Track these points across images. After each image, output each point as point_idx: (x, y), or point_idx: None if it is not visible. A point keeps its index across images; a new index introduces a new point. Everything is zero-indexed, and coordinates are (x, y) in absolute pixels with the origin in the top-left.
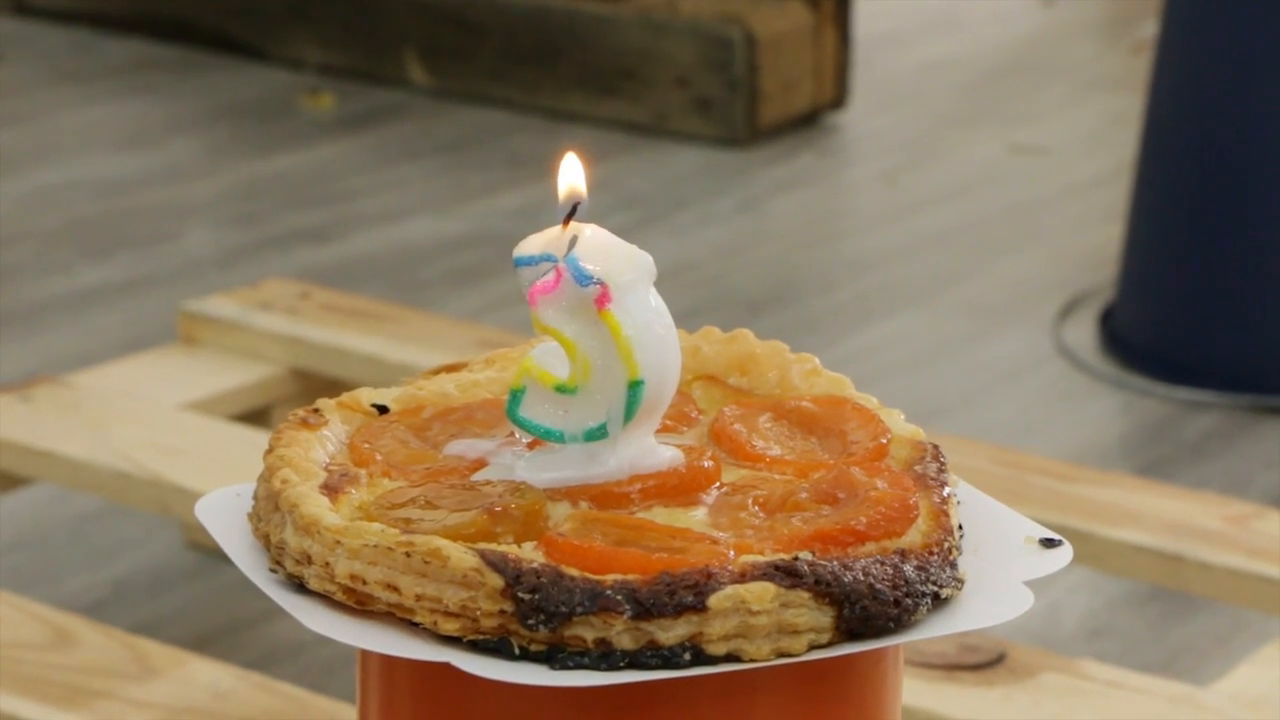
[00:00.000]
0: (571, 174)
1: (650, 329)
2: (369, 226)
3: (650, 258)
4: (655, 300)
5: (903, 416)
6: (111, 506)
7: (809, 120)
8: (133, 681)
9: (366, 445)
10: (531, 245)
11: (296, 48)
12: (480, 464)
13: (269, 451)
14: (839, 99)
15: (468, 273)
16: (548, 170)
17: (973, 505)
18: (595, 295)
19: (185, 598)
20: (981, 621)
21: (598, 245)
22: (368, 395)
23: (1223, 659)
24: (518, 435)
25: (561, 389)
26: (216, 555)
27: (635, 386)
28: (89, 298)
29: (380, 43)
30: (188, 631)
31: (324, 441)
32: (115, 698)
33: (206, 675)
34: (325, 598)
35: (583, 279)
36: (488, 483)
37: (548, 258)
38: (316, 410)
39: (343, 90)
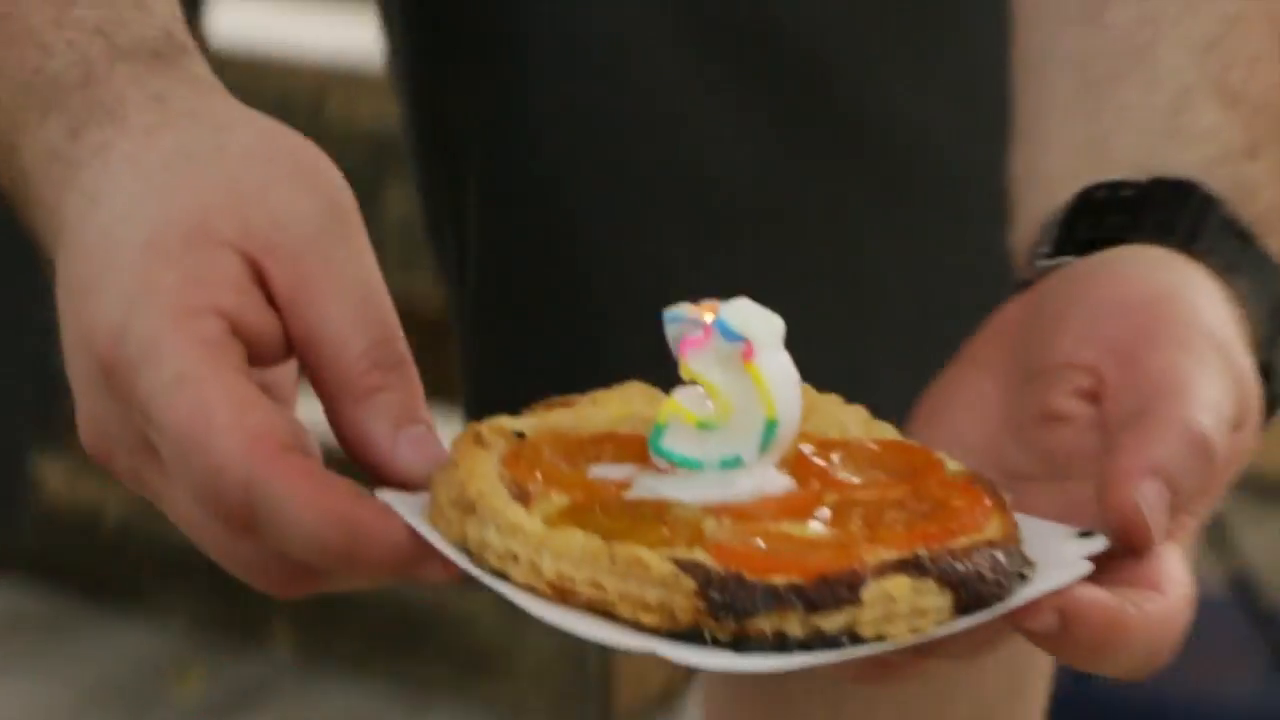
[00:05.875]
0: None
1: (784, 379)
2: None
3: (781, 321)
4: (785, 357)
5: (948, 457)
6: None
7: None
8: None
9: (526, 465)
10: (680, 309)
11: (167, 603)
12: (625, 484)
13: (454, 466)
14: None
15: None
16: None
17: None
18: (741, 350)
19: None
20: (1059, 583)
21: (739, 310)
22: (508, 423)
23: None
24: (656, 462)
25: (704, 425)
26: None
27: (771, 425)
28: None
29: (250, 613)
30: None
31: (491, 459)
32: None
33: None
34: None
35: (731, 336)
36: (654, 499)
37: (694, 319)
38: (480, 434)
39: (211, 661)
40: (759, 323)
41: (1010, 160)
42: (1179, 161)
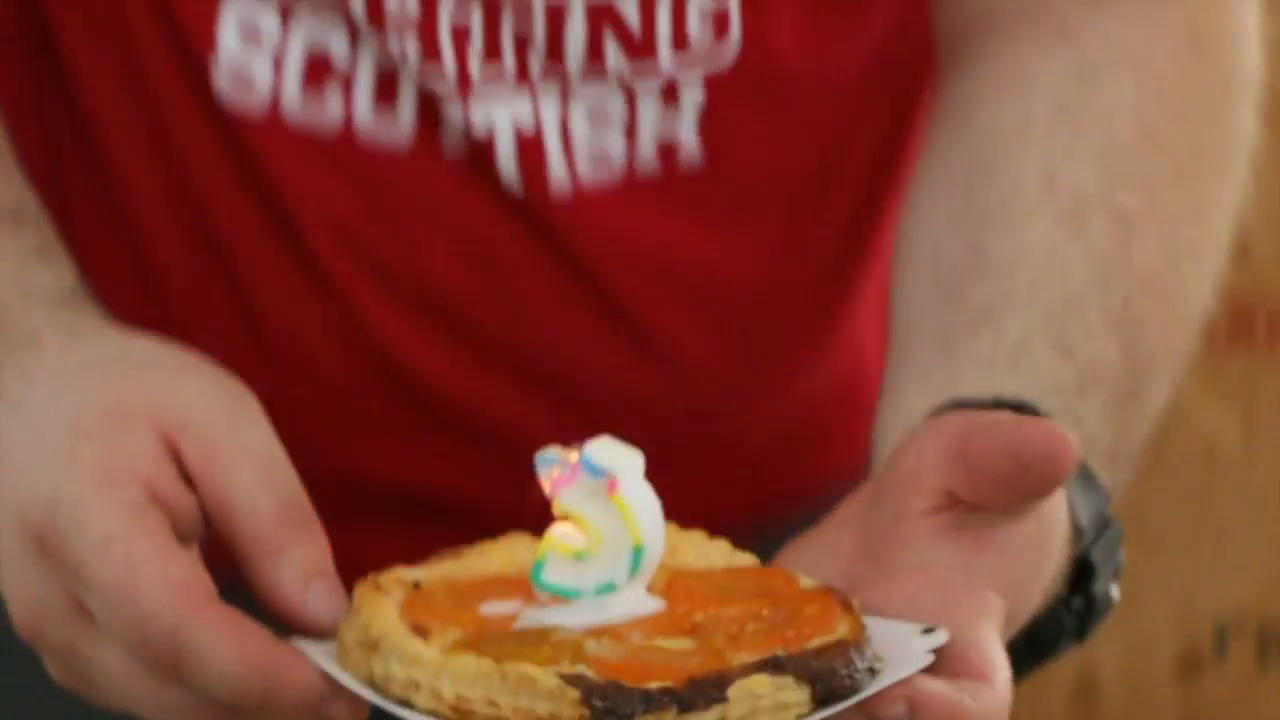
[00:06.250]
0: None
1: (647, 508)
2: None
3: (641, 455)
4: (647, 487)
5: (801, 575)
6: None
7: None
8: None
9: (423, 609)
10: (550, 452)
11: None
12: (513, 618)
13: (356, 612)
14: None
15: None
16: None
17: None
18: (606, 484)
19: None
20: (905, 673)
21: (602, 448)
22: (405, 573)
23: None
24: (539, 595)
25: (579, 556)
26: None
27: (638, 550)
28: None
29: None
30: None
31: (391, 603)
32: None
33: None
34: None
35: (596, 472)
36: (539, 628)
37: (562, 459)
38: (379, 583)
39: None
40: (621, 457)
41: (875, 423)
42: (1017, 388)
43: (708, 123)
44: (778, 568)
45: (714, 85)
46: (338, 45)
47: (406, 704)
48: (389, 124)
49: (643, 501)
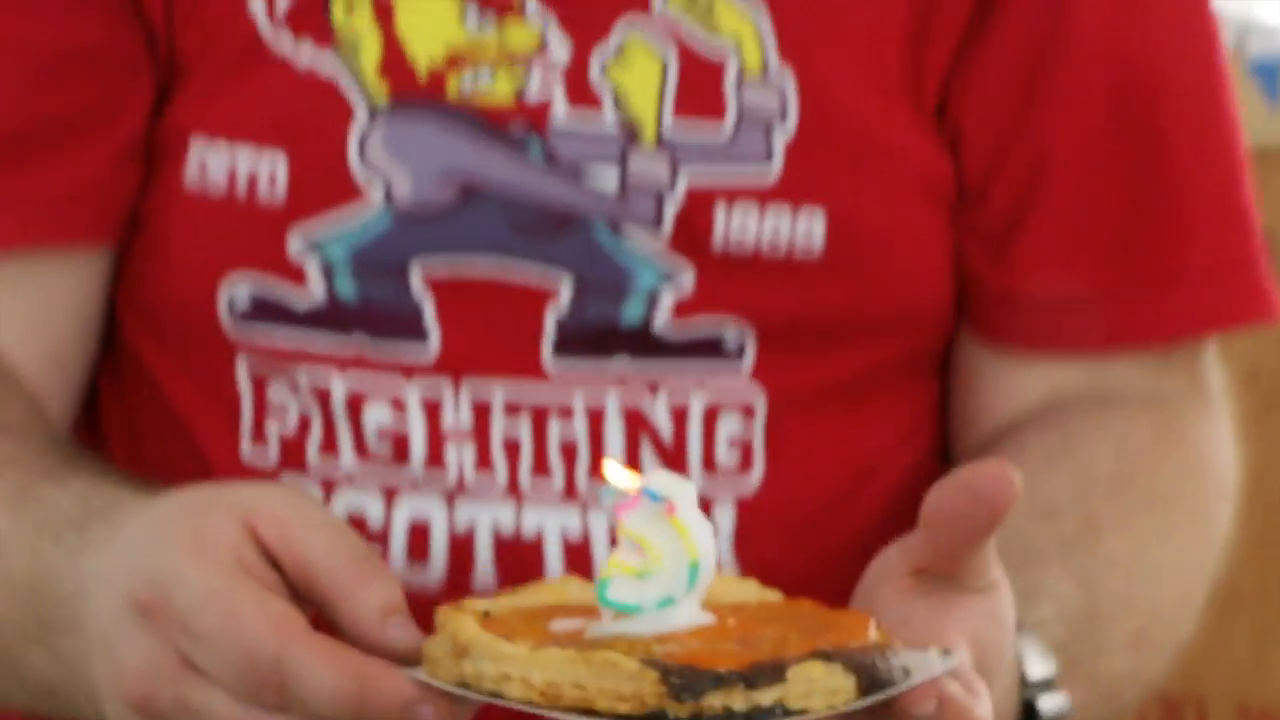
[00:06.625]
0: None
1: (702, 529)
2: None
3: (693, 484)
4: (700, 512)
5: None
6: None
7: None
8: None
9: (498, 628)
10: (613, 483)
11: None
12: (581, 632)
13: (441, 628)
14: None
15: None
16: None
17: None
18: (665, 508)
19: None
20: (934, 673)
21: (660, 477)
22: (476, 603)
23: None
24: (603, 614)
25: (640, 574)
26: None
27: (695, 566)
28: None
29: None
30: None
31: (471, 619)
32: None
33: None
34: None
35: (656, 498)
36: (608, 635)
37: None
38: (458, 605)
39: None
40: (677, 485)
41: None
42: None
43: (741, 547)
44: (803, 598)
45: (744, 510)
46: (374, 510)
47: (498, 695)
48: (421, 572)
49: (698, 523)
